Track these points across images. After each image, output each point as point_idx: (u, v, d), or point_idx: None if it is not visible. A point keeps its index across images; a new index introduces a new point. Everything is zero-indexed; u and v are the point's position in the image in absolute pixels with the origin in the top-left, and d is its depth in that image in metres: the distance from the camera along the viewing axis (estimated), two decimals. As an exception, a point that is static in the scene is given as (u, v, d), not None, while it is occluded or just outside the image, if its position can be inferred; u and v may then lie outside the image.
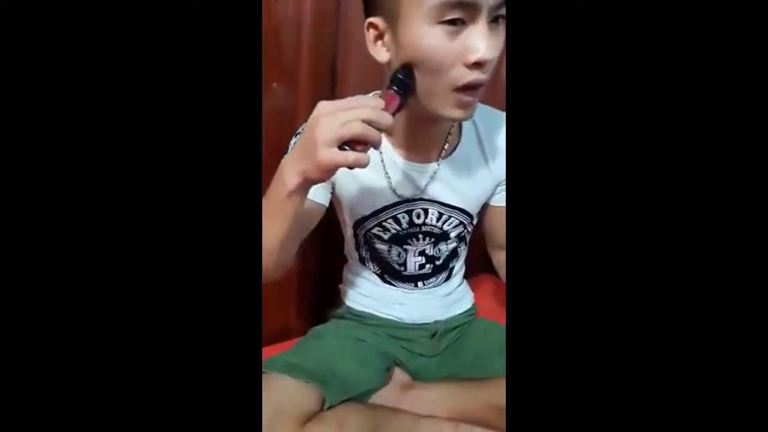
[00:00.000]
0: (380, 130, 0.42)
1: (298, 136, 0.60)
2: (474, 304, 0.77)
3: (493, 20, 0.45)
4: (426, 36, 0.46)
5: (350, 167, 0.43)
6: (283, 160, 0.48)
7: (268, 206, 0.49)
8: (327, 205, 0.62)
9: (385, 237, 0.65)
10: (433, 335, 0.70)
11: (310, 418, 0.52)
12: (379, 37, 0.50)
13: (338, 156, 0.41)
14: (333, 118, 0.42)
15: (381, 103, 0.44)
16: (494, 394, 0.57)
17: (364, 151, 0.42)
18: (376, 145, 0.43)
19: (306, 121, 0.62)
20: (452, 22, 0.45)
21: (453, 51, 0.46)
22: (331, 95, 0.75)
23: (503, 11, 0.45)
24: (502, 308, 0.81)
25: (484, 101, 0.68)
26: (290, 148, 0.60)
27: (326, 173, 0.44)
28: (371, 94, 0.59)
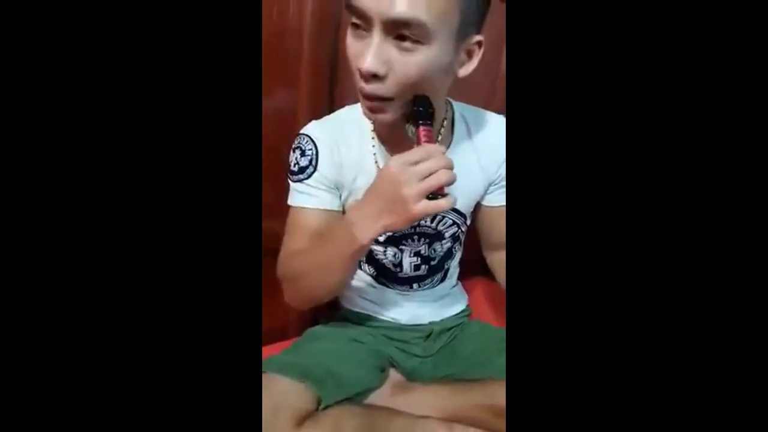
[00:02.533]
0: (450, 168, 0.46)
1: (296, 151, 0.61)
2: (468, 306, 0.78)
3: (398, 37, 0.44)
4: (348, 35, 0.48)
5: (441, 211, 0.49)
6: (353, 217, 0.51)
7: (332, 257, 0.54)
8: (341, 209, 0.63)
9: (381, 239, 0.66)
10: (428, 336, 0.71)
11: (306, 417, 0.52)
12: None
13: (432, 206, 0.47)
14: (414, 173, 0.45)
15: (443, 148, 0.49)
16: (488, 395, 0.58)
17: (445, 192, 0.47)
18: (451, 184, 0.46)
19: (305, 122, 0.63)
20: (355, 25, 0.47)
21: (355, 54, 0.47)
22: (331, 98, 0.76)
23: (411, 33, 0.44)
24: (496, 310, 0.82)
25: (484, 101, 0.68)
26: (291, 163, 0.61)
27: (413, 222, 0.49)
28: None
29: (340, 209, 0.63)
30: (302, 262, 0.58)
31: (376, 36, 0.45)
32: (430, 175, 0.45)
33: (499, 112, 0.67)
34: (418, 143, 0.49)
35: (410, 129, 0.50)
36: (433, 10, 0.43)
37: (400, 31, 0.44)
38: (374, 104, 0.49)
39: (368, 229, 0.49)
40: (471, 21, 0.47)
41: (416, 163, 0.46)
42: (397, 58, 0.45)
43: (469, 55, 0.51)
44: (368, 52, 0.45)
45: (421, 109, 0.49)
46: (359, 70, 0.47)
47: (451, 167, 0.46)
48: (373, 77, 0.46)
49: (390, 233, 0.65)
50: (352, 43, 0.48)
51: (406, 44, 0.45)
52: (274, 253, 0.64)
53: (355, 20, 0.46)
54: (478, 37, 0.50)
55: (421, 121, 0.49)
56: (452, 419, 0.57)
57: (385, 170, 0.48)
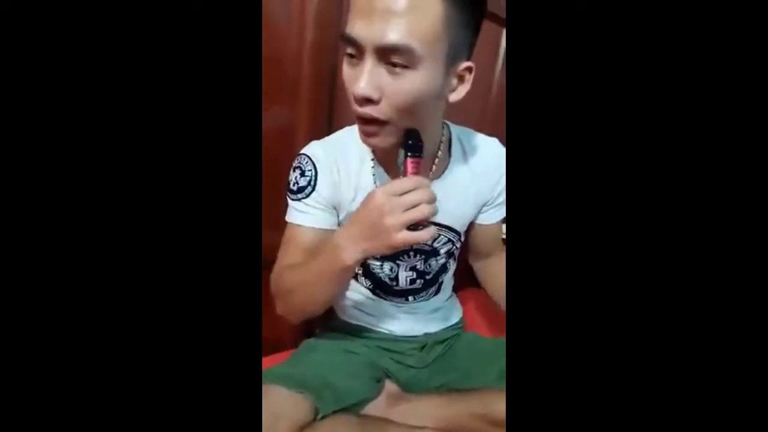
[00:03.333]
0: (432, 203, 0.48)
1: (296, 171, 0.63)
2: (462, 318, 0.80)
3: (390, 63, 0.47)
4: (343, 65, 0.51)
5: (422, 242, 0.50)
6: (340, 239, 0.53)
7: (321, 275, 0.56)
8: (336, 228, 0.65)
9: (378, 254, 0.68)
10: (423, 347, 0.72)
11: (303, 428, 0.53)
12: None
13: (413, 237, 0.48)
14: (397, 204, 0.47)
15: (428, 181, 0.49)
16: (483, 405, 0.59)
17: (428, 225, 0.49)
18: (432, 217, 0.48)
19: (305, 140, 0.66)
20: (350, 55, 0.49)
21: (350, 78, 0.50)
22: (330, 117, 0.78)
23: (401, 59, 0.46)
24: (489, 322, 0.83)
25: (476, 122, 0.71)
26: (291, 182, 0.63)
27: (396, 251, 0.51)
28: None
29: (335, 228, 0.64)
30: (293, 278, 0.59)
31: (369, 62, 0.47)
32: (413, 206, 0.47)
33: (490, 134, 0.70)
34: (405, 174, 0.51)
35: (400, 159, 0.52)
36: (422, 37, 0.46)
37: (390, 57, 0.46)
38: (369, 128, 0.51)
39: (352, 252, 0.52)
40: (460, 47, 0.50)
41: (401, 194, 0.48)
42: (389, 83, 0.48)
43: (461, 80, 0.53)
44: (361, 78, 0.47)
45: (410, 142, 0.51)
46: (354, 95, 0.49)
47: (434, 200, 0.48)
48: (367, 101, 0.49)
49: None
50: (347, 71, 0.50)
51: (397, 69, 0.47)
52: (273, 265, 0.66)
53: (349, 51, 0.49)
54: (467, 63, 0.52)
55: (409, 153, 0.51)
56: (448, 429, 0.58)
57: (370, 198, 0.50)
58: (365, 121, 0.51)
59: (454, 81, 0.53)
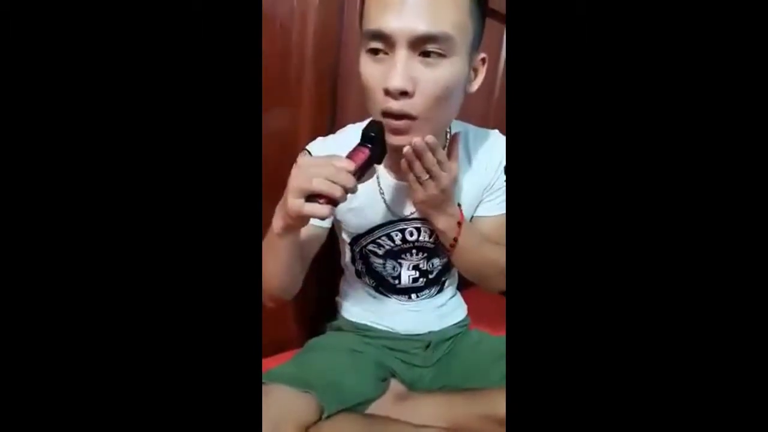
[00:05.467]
0: (345, 189, 0.46)
1: None
2: (467, 316, 0.79)
3: (423, 54, 0.47)
4: (362, 62, 0.51)
5: (310, 217, 0.47)
6: (278, 205, 0.52)
7: (267, 241, 0.55)
8: (330, 226, 0.66)
9: (380, 252, 0.68)
10: (427, 346, 0.72)
11: (308, 427, 0.53)
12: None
13: (303, 208, 0.46)
14: (304, 172, 0.46)
15: (349, 164, 0.47)
16: (488, 405, 0.58)
17: (326, 203, 0.46)
18: (337, 201, 0.46)
19: (306, 141, 0.66)
20: (374, 51, 0.48)
21: (377, 77, 0.49)
22: (332, 119, 0.78)
23: (437, 47, 0.46)
24: (494, 320, 0.83)
25: (480, 117, 0.71)
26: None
27: (296, 220, 0.48)
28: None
29: (328, 227, 0.65)
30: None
31: (402, 54, 0.46)
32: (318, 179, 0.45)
33: (494, 128, 0.70)
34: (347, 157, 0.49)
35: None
36: (455, 23, 0.46)
37: (425, 47, 0.46)
38: (400, 124, 0.50)
39: (277, 217, 0.51)
40: (478, 38, 0.51)
41: (314, 165, 0.46)
42: (423, 73, 0.48)
43: (475, 71, 0.54)
44: (395, 71, 0.46)
45: (370, 133, 0.50)
46: (386, 90, 0.48)
47: (343, 185, 0.45)
48: (402, 94, 0.48)
49: (388, 247, 0.67)
50: (371, 67, 0.49)
51: (431, 59, 0.47)
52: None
53: (373, 45, 0.48)
54: (482, 54, 0.53)
55: (365, 143, 0.50)
56: (452, 428, 0.58)
57: (294, 165, 0.49)
58: (396, 117, 0.50)
59: (471, 73, 0.53)
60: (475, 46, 0.51)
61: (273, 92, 0.70)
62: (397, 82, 0.47)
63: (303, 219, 0.49)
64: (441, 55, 0.47)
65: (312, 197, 0.46)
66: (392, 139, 0.52)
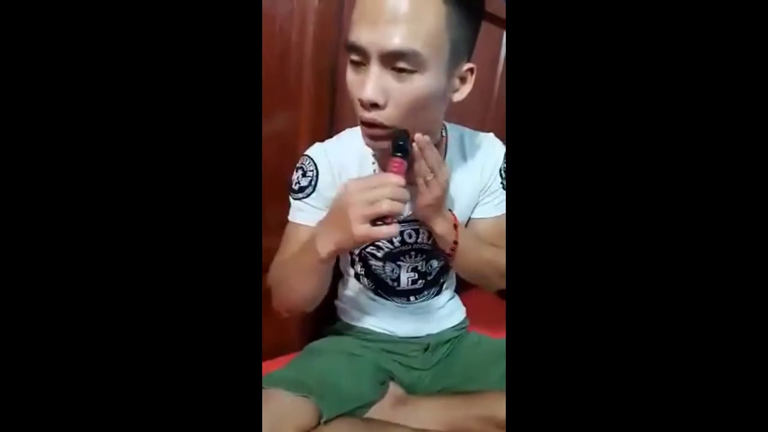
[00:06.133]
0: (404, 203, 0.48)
1: (299, 171, 0.64)
2: (465, 318, 0.79)
3: (396, 69, 0.47)
4: (347, 70, 0.51)
5: (382, 239, 0.50)
6: (318, 230, 0.54)
7: (302, 266, 0.57)
8: None
9: (379, 255, 0.68)
10: (426, 349, 0.72)
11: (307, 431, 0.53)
12: None
13: (373, 232, 0.47)
14: (362, 197, 0.47)
15: (401, 180, 0.48)
16: (487, 407, 0.58)
17: (392, 222, 0.48)
18: (399, 217, 0.47)
19: (306, 144, 0.66)
20: (354, 62, 0.50)
21: (356, 86, 0.50)
22: (331, 120, 0.78)
23: (406, 64, 0.47)
24: (493, 322, 0.83)
25: (479, 122, 0.71)
26: (293, 182, 0.64)
27: (361, 245, 0.52)
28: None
29: None
30: (281, 271, 0.61)
31: (375, 68, 0.48)
32: (377, 202, 0.47)
33: (494, 131, 0.70)
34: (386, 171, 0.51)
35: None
36: (426, 41, 0.46)
37: (396, 62, 0.47)
38: (374, 131, 0.52)
39: (324, 241, 0.52)
40: (461, 49, 0.51)
41: (370, 188, 0.47)
42: (395, 87, 0.48)
43: (462, 81, 0.54)
44: (368, 83, 0.48)
45: (400, 142, 0.51)
46: (360, 100, 0.49)
47: (401, 199, 0.47)
48: (373, 106, 0.49)
49: (387, 249, 0.67)
50: (351, 76, 0.51)
51: (403, 74, 0.48)
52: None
53: (353, 58, 0.50)
54: (469, 65, 0.53)
55: (394, 153, 0.51)
56: (452, 431, 0.58)
57: (342, 189, 0.50)
58: (370, 126, 0.51)
59: (457, 82, 0.53)
60: (461, 56, 0.51)
61: (272, 93, 0.70)
62: (368, 94, 0.48)
63: (366, 243, 0.51)
64: (412, 71, 0.48)
65: (376, 220, 0.47)
66: (369, 144, 0.54)
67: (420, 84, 0.48)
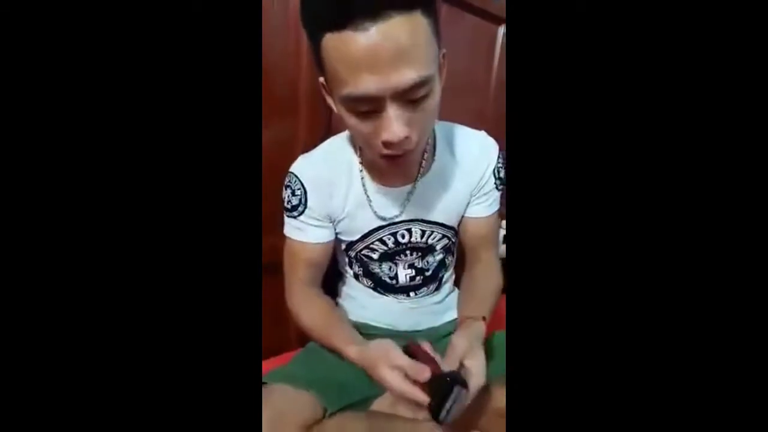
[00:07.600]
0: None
1: (287, 190, 0.65)
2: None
3: (412, 101, 0.46)
4: (346, 119, 0.49)
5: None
6: (352, 349, 0.59)
7: (329, 338, 0.63)
8: (333, 238, 0.68)
9: (375, 256, 0.69)
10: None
11: (311, 426, 0.54)
12: (328, 92, 0.53)
13: (406, 391, 0.51)
14: (395, 382, 0.52)
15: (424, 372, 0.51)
16: (487, 398, 0.59)
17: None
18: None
19: (303, 152, 0.67)
20: (362, 113, 0.47)
21: (371, 131, 0.49)
22: (329, 126, 0.79)
23: (420, 93, 0.46)
24: (492, 316, 0.83)
25: (476, 117, 0.71)
26: (284, 200, 0.65)
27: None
28: None
29: (332, 239, 0.67)
30: (309, 322, 0.66)
31: (392, 109, 0.46)
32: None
33: (490, 134, 0.70)
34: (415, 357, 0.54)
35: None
36: (428, 60, 0.45)
37: (412, 95, 0.46)
38: (399, 160, 0.51)
39: (355, 354, 0.58)
40: (438, 44, 0.49)
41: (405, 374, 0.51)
42: (415, 116, 0.48)
43: (441, 68, 0.52)
44: (391, 125, 0.46)
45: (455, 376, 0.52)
46: (386, 143, 0.48)
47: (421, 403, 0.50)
48: (390, 145, 0.48)
49: (382, 250, 0.69)
50: (361, 125, 0.49)
51: (418, 101, 0.47)
52: (274, 266, 0.68)
53: (358, 108, 0.47)
54: (442, 51, 0.51)
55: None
56: (453, 423, 0.58)
57: (373, 353, 0.55)
58: (395, 157, 0.51)
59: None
60: (439, 50, 0.49)
61: (269, 98, 0.71)
62: (397, 135, 0.47)
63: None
64: (426, 96, 0.47)
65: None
66: (391, 170, 0.56)
67: (433, 101, 0.49)
